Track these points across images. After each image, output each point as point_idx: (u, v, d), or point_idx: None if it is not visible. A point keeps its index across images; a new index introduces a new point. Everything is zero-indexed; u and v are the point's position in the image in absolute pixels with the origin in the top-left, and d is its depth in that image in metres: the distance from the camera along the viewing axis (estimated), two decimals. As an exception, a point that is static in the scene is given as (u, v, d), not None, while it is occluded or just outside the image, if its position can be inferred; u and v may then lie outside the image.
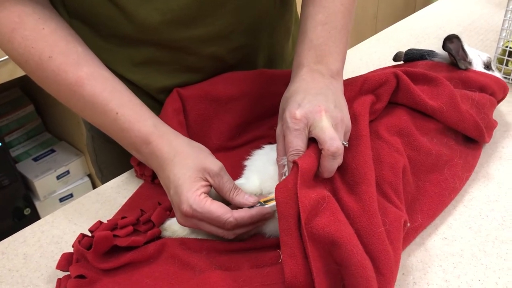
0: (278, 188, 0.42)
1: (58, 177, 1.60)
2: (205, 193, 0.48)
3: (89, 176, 1.68)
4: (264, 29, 0.68)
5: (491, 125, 0.64)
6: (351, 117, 0.53)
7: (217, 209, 0.47)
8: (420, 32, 0.99)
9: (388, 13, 2.39)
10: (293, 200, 0.41)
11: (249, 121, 0.67)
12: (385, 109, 0.59)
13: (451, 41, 0.63)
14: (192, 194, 0.48)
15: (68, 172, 1.61)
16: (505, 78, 0.78)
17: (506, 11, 0.75)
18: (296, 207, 0.41)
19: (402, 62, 0.70)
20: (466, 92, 0.62)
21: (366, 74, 0.60)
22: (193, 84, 0.65)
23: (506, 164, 0.62)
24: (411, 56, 0.68)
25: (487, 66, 0.68)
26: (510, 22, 0.76)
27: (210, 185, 0.50)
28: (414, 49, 0.68)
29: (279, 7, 0.69)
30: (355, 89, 0.58)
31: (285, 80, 0.68)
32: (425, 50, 0.68)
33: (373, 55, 0.91)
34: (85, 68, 0.52)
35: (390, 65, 0.69)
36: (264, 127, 0.67)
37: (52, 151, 1.66)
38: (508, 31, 0.77)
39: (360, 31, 2.29)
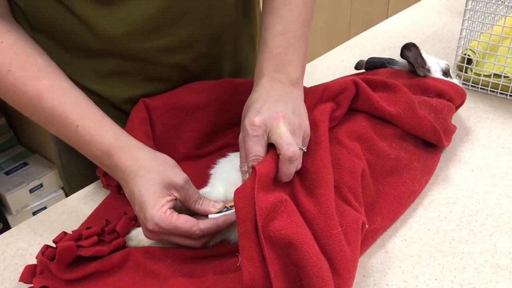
0: (236, 193, 0.43)
1: (31, 191, 1.58)
2: (170, 207, 0.49)
3: (63, 189, 1.66)
4: (228, 38, 0.69)
5: (450, 130, 0.66)
6: (311, 124, 0.55)
7: (184, 223, 0.48)
8: (386, 41, 1.02)
9: (361, 22, 2.43)
10: (250, 204, 0.42)
11: (216, 129, 0.68)
12: (346, 115, 0.61)
13: (409, 49, 0.65)
14: (157, 211, 0.48)
15: (41, 185, 1.59)
16: (465, 84, 0.81)
17: (463, 20, 0.78)
18: (253, 211, 0.42)
19: (363, 70, 0.72)
20: (424, 98, 0.64)
21: (326, 82, 0.61)
22: (159, 94, 0.66)
23: (465, 167, 0.64)
24: (372, 64, 0.70)
25: (446, 73, 0.71)
26: (467, 31, 0.79)
27: (176, 199, 0.51)
28: (375, 58, 0.70)
29: (242, 16, 0.70)
30: (315, 96, 0.60)
31: (250, 89, 0.70)
32: (386, 58, 0.70)
33: (339, 64, 0.93)
34: (45, 81, 0.52)
35: (352, 73, 0.71)
36: (231, 135, 0.68)
37: (25, 164, 1.64)
38: (466, 39, 0.80)
39: (334, 40, 2.33)
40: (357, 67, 0.72)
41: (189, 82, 0.67)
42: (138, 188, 0.49)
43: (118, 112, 0.67)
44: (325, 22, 2.30)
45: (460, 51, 0.80)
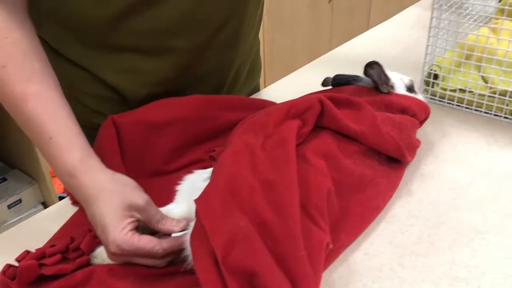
0: (192, 235, 0.44)
1: (10, 206, 1.56)
2: (132, 229, 0.50)
3: (43, 203, 1.65)
4: (239, 45, 0.76)
5: (414, 145, 0.68)
6: (279, 141, 0.56)
7: (146, 244, 0.49)
8: (358, 57, 1.04)
9: (342, 37, 2.47)
10: (204, 240, 0.43)
11: (185, 145, 0.69)
12: (311, 132, 0.62)
13: (372, 67, 0.67)
14: (119, 234, 0.49)
15: (20, 200, 1.58)
16: (432, 99, 0.83)
17: (428, 37, 0.80)
18: (209, 245, 0.43)
19: (330, 87, 0.73)
20: (388, 115, 0.66)
21: (292, 100, 0.63)
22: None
23: (428, 181, 0.66)
24: (338, 81, 0.72)
25: (410, 88, 0.73)
26: (432, 47, 0.81)
27: (138, 220, 0.51)
28: (341, 75, 0.72)
29: (256, 24, 0.79)
30: (282, 113, 0.61)
31: (220, 105, 0.71)
32: (351, 75, 0.72)
33: (309, 80, 0.95)
34: (34, 86, 0.54)
35: (318, 90, 0.73)
36: (200, 151, 0.69)
37: (4, 179, 1.63)
38: (431, 55, 0.82)
39: (316, 54, 2.35)
40: (324, 84, 0.74)
41: (191, 84, 0.71)
42: (99, 211, 0.50)
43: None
44: (306, 34, 2.33)
45: (427, 67, 0.83)
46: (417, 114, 0.69)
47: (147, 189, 0.59)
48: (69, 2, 0.62)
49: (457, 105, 0.81)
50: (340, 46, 1.09)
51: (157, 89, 0.73)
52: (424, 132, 0.76)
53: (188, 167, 0.67)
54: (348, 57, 1.03)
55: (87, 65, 0.69)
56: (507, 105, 0.76)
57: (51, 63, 0.58)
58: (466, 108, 0.81)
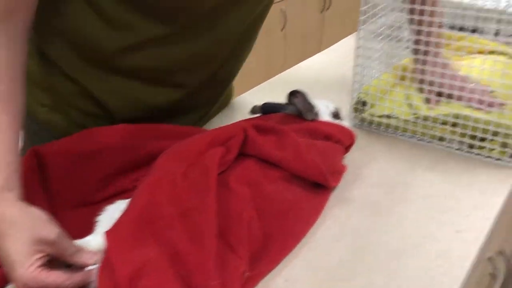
0: (100, 267, 0.44)
1: None
2: (40, 265, 0.48)
3: None
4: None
5: (339, 170, 0.70)
6: (201, 170, 0.57)
7: (55, 280, 0.48)
8: (295, 85, 1.05)
9: (296, 62, 2.51)
10: (113, 273, 0.43)
11: (112, 175, 0.68)
12: (237, 160, 0.63)
13: (296, 96, 0.69)
14: (25, 271, 0.47)
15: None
16: (361, 124, 0.86)
17: (354, 66, 0.84)
18: (115, 279, 0.42)
19: (259, 115, 0.75)
20: (312, 141, 0.68)
21: (217, 128, 0.64)
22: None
23: (352, 205, 0.68)
24: (267, 109, 0.74)
25: (336, 115, 0.75)
26: (359, 76, 0.85)
27: (48, 254, 0.50)
28: (269, 103, 0.74)
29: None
30: (206, 141, 0.62)
31: (148, 134, 0.71)
32: (279, 103, 0.74)
33: (248, 107, 0.97)
34: None
35: (247, 118, 0.74)
36: (127, 180, 0.68)
37: None
38: (359, 83, 0.86)
39: (270, 75, 2.39)
40: (253, 111, 0.76)
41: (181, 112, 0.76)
42: (7, 247, 0.49)
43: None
44: (259, 58, 2.38)
45: (355, 94, 0.86)
46: (341, 140, 0.71)
47: (72, 220, 0.58)
48: (80, 28, 0.65)
49: (383, 130, 0.85)
50: (275, 77, 1.12)
51: (147, 113, 0.76)
52: (352, 158, 0.78)
53: (114, 197, 0.66)
54: (285, 87, 1.05)
55: (82, 80, 0.72)
56: (430, 130, 0.80)
57: (43, 71, 0.58)
58: (392, 133, 0.84)
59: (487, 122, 0.73)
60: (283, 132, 0.65)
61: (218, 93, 0.84)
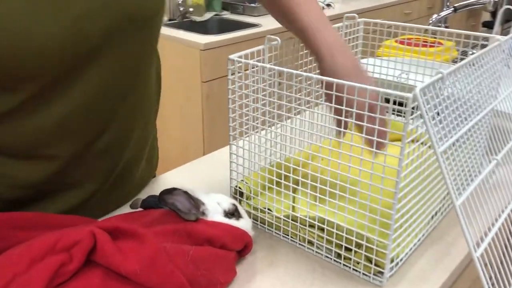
0: None
1: None
2: None
3: None
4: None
5: (215, 281, 0.60)
6: (24, 284, 0.49)
7: None
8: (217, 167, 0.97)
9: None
10: None
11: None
12: (81, 269, 0.54)
13: (172, 194, 0.61)
14: None
15: None
16: (254, 223, 0.73)
17: (230, 162, 0.75)
18: None
19: (140, 209, 0.67)
20: (183, 248, 0.59)
21: (64, 230, 0.56)
22: None
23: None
24: (147, 204, 0.66)
25: (231, 213, 0.66)
26: (237, 165, 0.75)
27: None
28: (151, 197, 0.66)
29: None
30: (46, 246, 0.54)
31: (11, 224, 0.63)
32: (161, 198, 0.65)
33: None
34: None
35: (118, 214, 0.66)
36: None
37: None
38: (235, 180, 0.76)
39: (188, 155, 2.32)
40: (132, 206, 0.68)
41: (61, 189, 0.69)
42: None
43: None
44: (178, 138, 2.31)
45: (234, 183, 0.76)
46: (227, 244, 0.62)
47: None
48: None
49: (267, 228, 0.73)
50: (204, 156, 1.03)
51: (21, 193, 0.67)
52: (247, 262, 0.68)
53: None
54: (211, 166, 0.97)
55: None
56: (300, 232, 0.69)
57: None
58: (269, 229, 0.73)
59: (349, 232, 0.62)
60: (143, 237, 0.56)
61: (108, 164, 0.73)
